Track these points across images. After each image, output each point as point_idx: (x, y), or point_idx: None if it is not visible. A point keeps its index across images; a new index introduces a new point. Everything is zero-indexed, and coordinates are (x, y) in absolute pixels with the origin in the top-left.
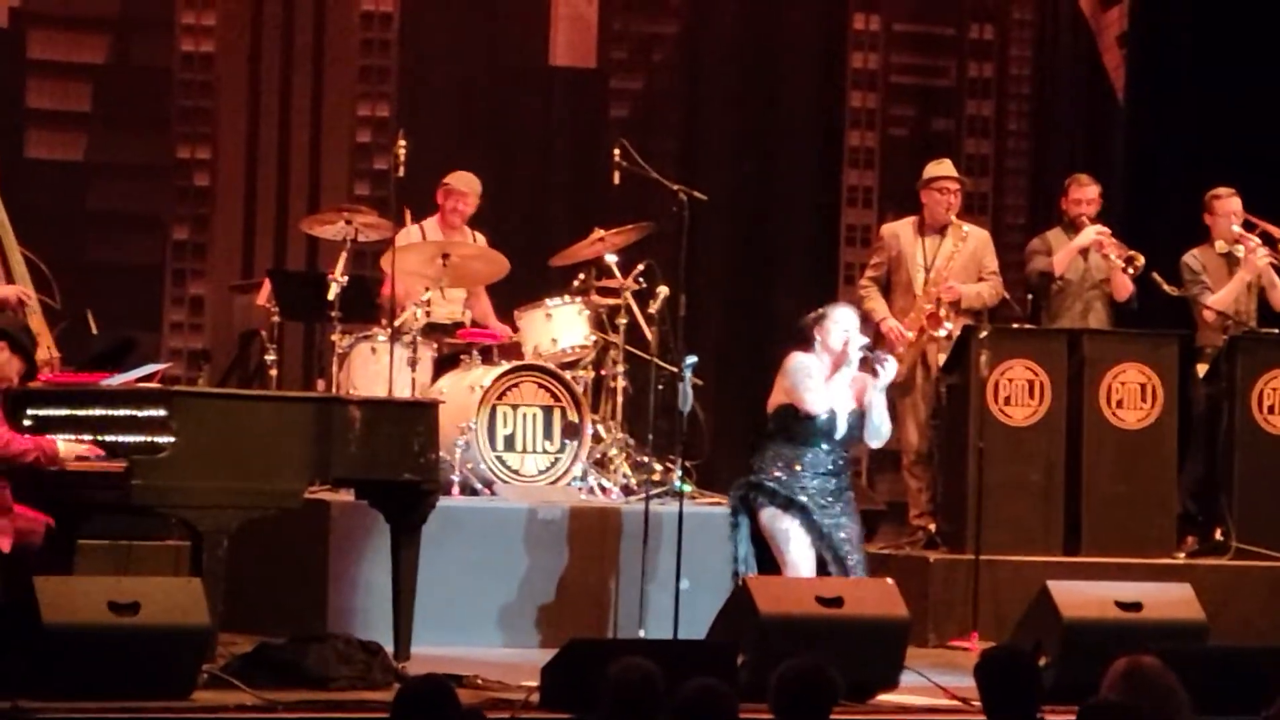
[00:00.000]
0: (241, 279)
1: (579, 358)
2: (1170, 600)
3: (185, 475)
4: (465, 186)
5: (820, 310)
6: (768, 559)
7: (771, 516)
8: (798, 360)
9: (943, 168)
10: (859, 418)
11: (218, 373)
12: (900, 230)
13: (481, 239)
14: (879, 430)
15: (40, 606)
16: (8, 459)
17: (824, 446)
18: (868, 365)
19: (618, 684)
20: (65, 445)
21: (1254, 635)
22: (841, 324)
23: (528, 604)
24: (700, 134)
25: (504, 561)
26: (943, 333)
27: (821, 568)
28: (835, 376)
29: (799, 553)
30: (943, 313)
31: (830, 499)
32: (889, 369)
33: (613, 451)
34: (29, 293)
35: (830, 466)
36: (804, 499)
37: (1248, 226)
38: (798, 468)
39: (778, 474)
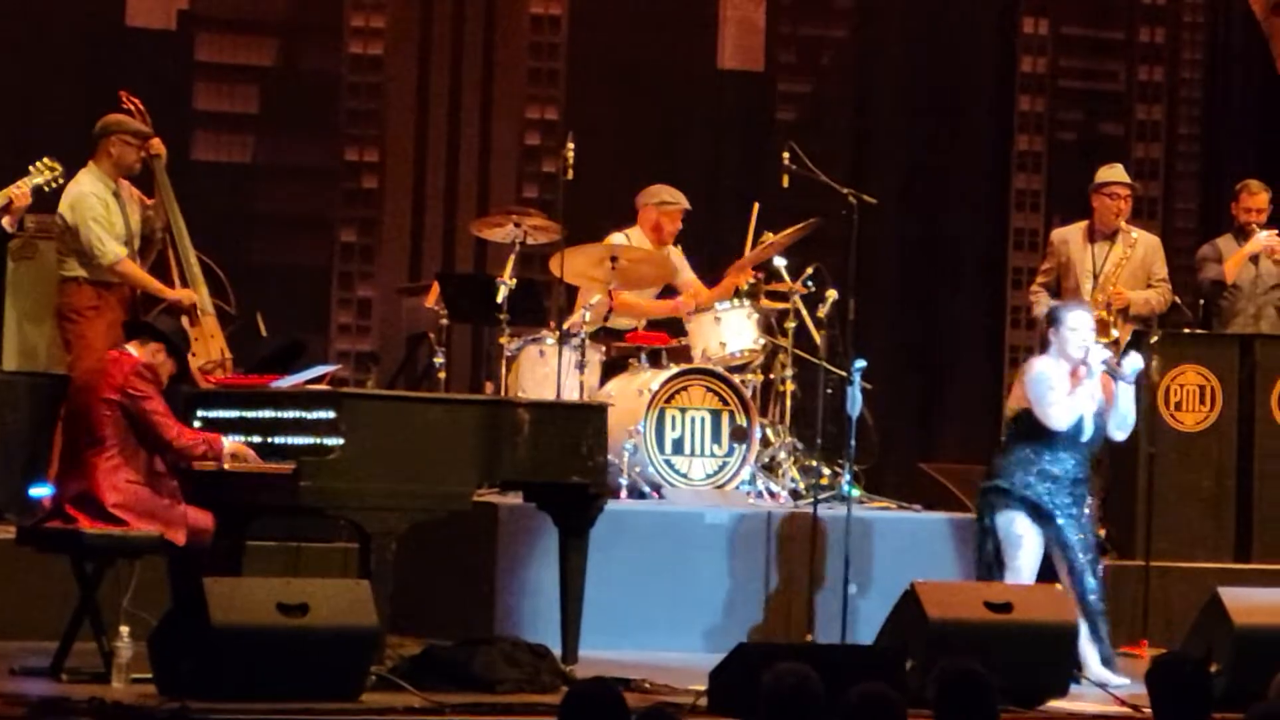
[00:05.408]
0: (409, 281)
1: (748, 361)
2: None
3: (353, 477)
4: (680, 203)
5: (1051, 309)
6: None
7: (1007, 521)
8: (1038, 371)
9: (1114, 173)
10: (1104, 418)
11: (386, 375)
12: (1070, 236)
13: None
14: (1125, 420)
15: (209, 607)
16: (179, 450)
17: (1070, 451)
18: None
19: (773, 690)
20: (230, 443)
21: None
22: (1080, 331)
23: (696, 608)
24: (868, 137)
25: (672, 565)
26: (1107, 341)
27: (1053, 578)
28: (1077, 388)
29: (1026, 561)
30: (1111, 319)
31: (1075, 506)
32: (1134, 369)
33: (781, 455)
34: (195, 295)
35: (1077, 473)
36: (1051, 506)
37: None
38: (1044, 473)
39: (1024, 479)
